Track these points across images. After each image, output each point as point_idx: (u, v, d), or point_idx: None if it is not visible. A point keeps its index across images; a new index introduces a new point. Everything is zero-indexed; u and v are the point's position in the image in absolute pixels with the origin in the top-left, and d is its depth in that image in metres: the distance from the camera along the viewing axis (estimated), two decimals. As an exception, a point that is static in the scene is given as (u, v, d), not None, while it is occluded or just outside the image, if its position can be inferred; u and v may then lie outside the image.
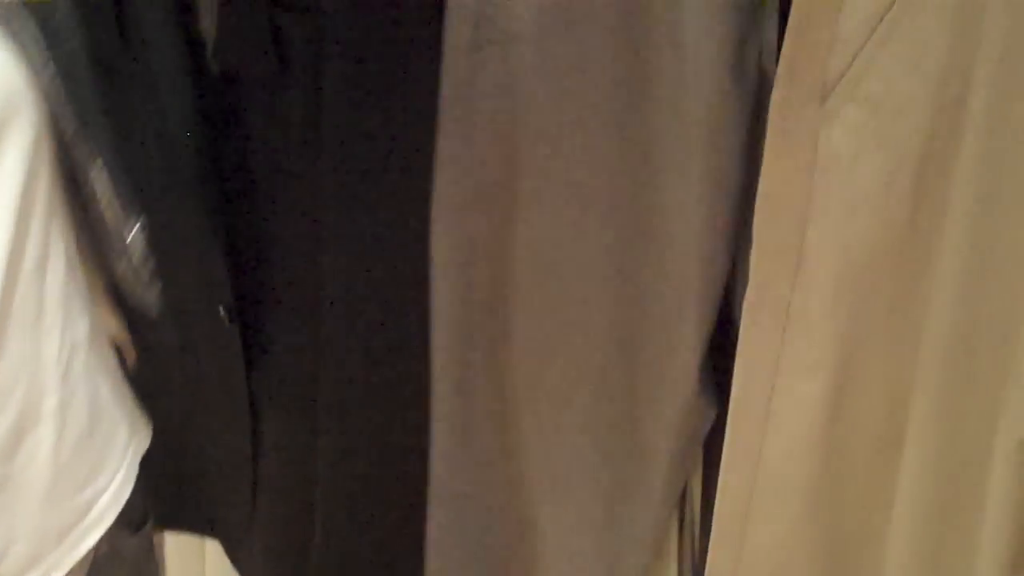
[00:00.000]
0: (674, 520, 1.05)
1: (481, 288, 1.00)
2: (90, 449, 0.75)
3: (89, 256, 0.84)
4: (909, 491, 0.84)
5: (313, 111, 0.94)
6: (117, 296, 0.98)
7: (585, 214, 0.94)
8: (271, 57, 0.93)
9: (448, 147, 0.96)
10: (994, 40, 0.74)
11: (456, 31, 0.93)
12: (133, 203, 0.76)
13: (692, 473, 1.02)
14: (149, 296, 0.87)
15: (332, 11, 0.91)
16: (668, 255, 0.92)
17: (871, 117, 0.79)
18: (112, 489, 0.78)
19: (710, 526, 0.93)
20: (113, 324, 0.94)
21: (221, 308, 0.97)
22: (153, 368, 1.04)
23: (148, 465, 0.94)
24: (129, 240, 0.83)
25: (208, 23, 0.94)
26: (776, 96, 0.81)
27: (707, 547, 0.95)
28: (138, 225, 0.79)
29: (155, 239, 0.93)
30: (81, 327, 0.80)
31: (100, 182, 0.73)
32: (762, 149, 0.84)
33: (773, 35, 0.83)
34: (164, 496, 1.09)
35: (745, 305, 0.86)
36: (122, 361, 0.98)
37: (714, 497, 0.92)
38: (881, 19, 0.77)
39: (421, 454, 1.03)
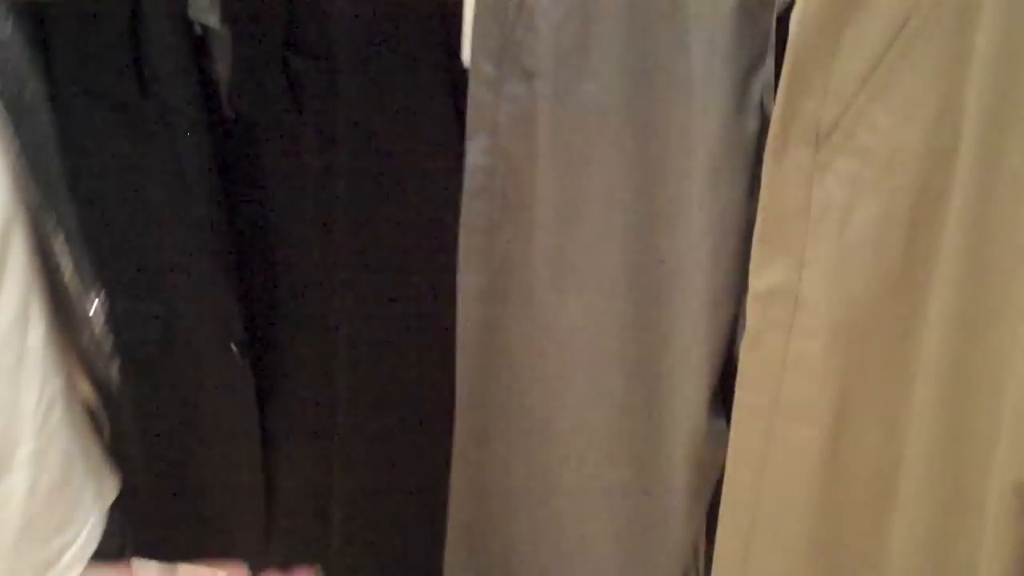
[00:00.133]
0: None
1: (507, 310, 1.04)
2: (61, 501, 0.79)
3: (62, 321, 0.89)
4: (905, 534, 0.85)
5: (327, 153, 0.98)
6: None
7: (600, 241, 0.97)
8: (286, 101, 0.97)
9: (473, 179, 1.00)
10: (982, 92, 0.75)
11: (480, 68, 0.97)
12: (95, 278, 0.80)
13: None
14: (111, 370, 0.92)
15: (346, 56, 0.96)
16: (678, 284, 0.95)
17: (864, 167, 0.80)
18: (80, 541, 0.82)
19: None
20: (86, 388, 0.99)
21: (233, 345, 1.02)
22: (163, 404, 1.09)
23: (160, 498, 0.99)
24: (91, 313, 0.87)
25: (223, 67, 0.99)
26: (771, 142, 0.83)
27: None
28: (98, 300, 0.83)
29: (168, 277, 0.98)
30: (58, 382, 0.84)
31: (63, 256, 0.77)
32: (762, 191, 0.86)
33: (771, 79, 0.85)
34: (177, 529, 1.15)
35: (742, 348, 0.88)
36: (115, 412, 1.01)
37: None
38: (873, 71, 0.79)
39: (440, 486, 1.07)
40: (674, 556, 1.04)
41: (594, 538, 1.05)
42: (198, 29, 0.98)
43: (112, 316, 0.97)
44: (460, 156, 0.99)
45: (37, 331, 0.78)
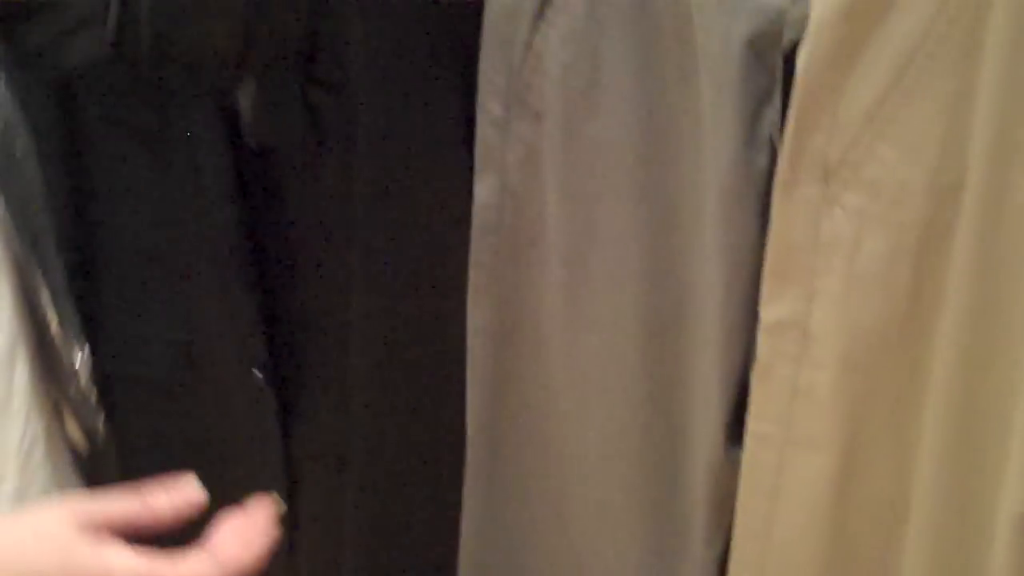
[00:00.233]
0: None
1: (516, 347, 1.06)
2: None
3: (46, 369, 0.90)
4: (916, 563, 0.87)
5: (346, 184, 1.01)
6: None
7: (614, 277, 1.00)
8: (306, 132, 1.00)
9: (481, 217, 1.02)
10: (986, 129, 0.78)
11: (487, 108, 1.00)
12: (80, 332, 0.82)
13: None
14: (96, 422, 0.93)
15: (364, 88, 0.99)
16: (692, 317, 0.97)
17: (871, 201, 0.83)
18: None
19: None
20: (75, 433, 1.00)
21: (256, 370, 1.04)
22: (183, 430, 1.11)
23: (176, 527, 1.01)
24: (77, 366, 0.88)
25: (244, 99, 1.02)
26: (780, 177, 0.86)
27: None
28: (82, 354, 0.85)
29: (189, 302, 1.00)
30: (39, 426, 0.86)
31: (49, 309, 0.79)
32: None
33: (779, 115, 0.88)
34: None
35: (753, 378, 0.90)
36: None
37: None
38: (880, 107, 0.81)
39: (453, 521, 1.09)
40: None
41: (612, 572, 1.07)
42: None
43: (125, 345, 0.99)
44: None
45: (23, 373, 0.80)
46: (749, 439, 0.91)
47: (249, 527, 0.67)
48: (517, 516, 1.10)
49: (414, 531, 1.10)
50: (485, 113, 1.01)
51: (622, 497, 1.04)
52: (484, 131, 1.01)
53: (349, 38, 0.97)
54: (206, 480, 1.14)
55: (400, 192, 1.01)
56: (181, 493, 0.67)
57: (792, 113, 0.84)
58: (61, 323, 0.81)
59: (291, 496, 1.12)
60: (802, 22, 0.83)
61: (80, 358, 0.87)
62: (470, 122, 1.01)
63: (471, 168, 1.01)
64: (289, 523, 1.12)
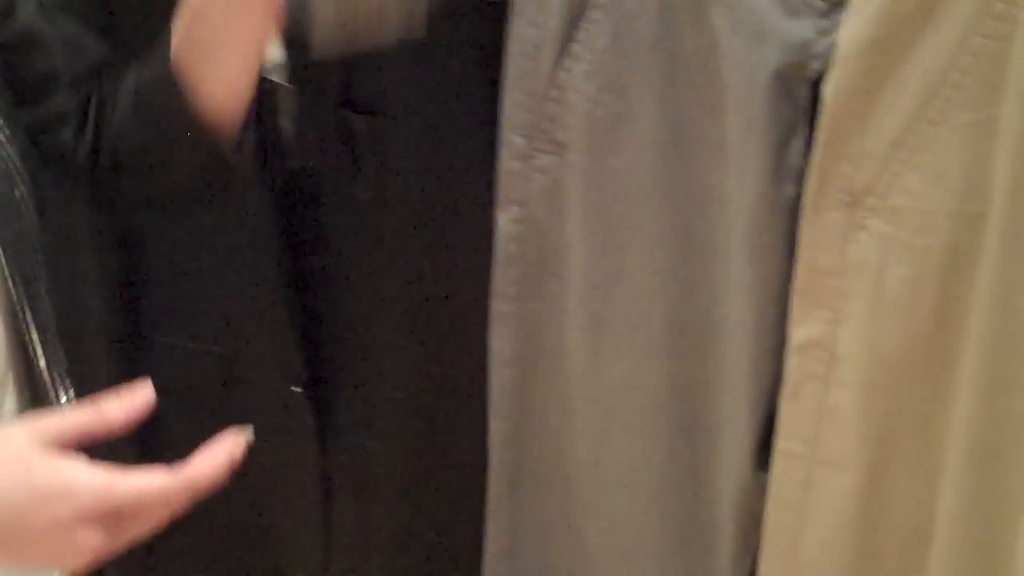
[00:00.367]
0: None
1: (539, 376, 1.09)
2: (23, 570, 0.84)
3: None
4: (939, 584, 0.90)
5: (381, 205, 1.05)
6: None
7: (640, 306, 1.04)
8: (343, 154, 1.04)
9: (504, 247, 1.06)
10: (1009, 160, 0.82)
11: (510, 140, 1.04)
12: (66, 373, 0.84)
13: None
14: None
15: (398, 114, 1.03)
16: (720, 343, 1.00)
17: (897, 229, 0.87)
18: None
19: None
20: None
21: (295, 387, 1.08)
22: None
23: (215, 541, 1.04)
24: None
25: (287, 121, 1.07)
26: (807, 203, 0.90)
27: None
28: (67, 396, 0.87)
29: (231, 319, 1.04)
30: None
31: (36, 348, 0.82)
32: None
33: (804, 145, 0.92)
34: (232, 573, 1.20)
35: (782, 398, 0.94)
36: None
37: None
38: (905, 137, 0.85)
39: (476, 547, 1.11)
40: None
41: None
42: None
43: (169, 358, 1.03)
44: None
45: (11, 402, 0.82)
46: (777, 457, 0.95)
47: (213, 450, 0.68)
48: (539, 541, 1.13)
49: (438, 553, 1.13)
50: (508, 145, 1.04)
51: (645, 522, 1.07)
52: (507, 163, 1.05)
53: (385, 65, 1.02)
54: (243, 491, 1.17)
55: (429, 218, 1.05)
56: (131, 398, 0.68)
57: (819, 142, 0.89)
58: (48, 365, 0.83)
59: (324, 509, 1.15)
60: (828, 54, 0.87)
61: (65, 400, 0.89)
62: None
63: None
64: (322, 538, 1.15)
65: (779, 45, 0.90)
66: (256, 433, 1.11)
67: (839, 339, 0.90)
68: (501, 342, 1.09)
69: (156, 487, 0.65)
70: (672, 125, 0.98)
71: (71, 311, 1.10)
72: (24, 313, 0.80)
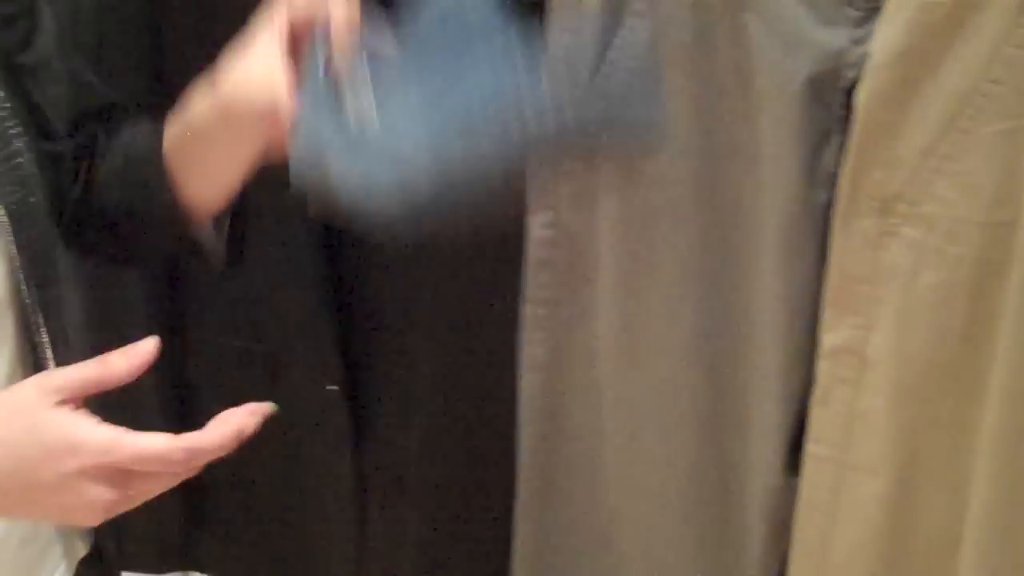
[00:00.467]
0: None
1: (569, 381, 1.11)
2: (30, 551, 0.86)
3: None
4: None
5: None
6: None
7: (671, 311, 1.06)
8: None
9: (535, 252, 1.08)
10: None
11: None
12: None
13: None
14: None
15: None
16: (752, 348, 1.03)
17: (927, 236, 0.89)
18: None
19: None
20: None
21: (332, 386, 1.11)
22: (259, 439, 1.17)
23: (251, 535, 1.07)
24: None
25: None
26: (839, 210, 0.92)
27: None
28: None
29: (273, 319, 1.07)
30: None
31: (46, 350, 0.84)
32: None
33: (836, 152, 0.94)
34: (267, 567, 1.23)
35: (813, 402, 0.96)
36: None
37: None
38: (937, 145, 0.88)
39: (505, 549, 1.14)
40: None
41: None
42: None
43: (210, 355, 1.07)
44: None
45: None
46: (807, 461, 0.97)
47: (225, 420, 0.70)
48: (568, 543, 1.15)
49: (468, 552, 1.16)
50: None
51: (674, 525, 1.09)
52: (538, 168, 1.07)
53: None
54: (278, 488, 1.20)
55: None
56: (135, 350, 0.70)
57: (850, 149, 0.91)
58: (57, 363, 0.85)
59: (357, 507, 1.19)
60: (862, 62, 0.90)
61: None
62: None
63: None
64: (355, 536, 1.18)
65: (813, 53, 0.92)
66: (293, 430, 1.15)
67: (870, 344, 0.93)
68: (531, 346, 1.11)
69: (160, 448, 0.67)
70: (706, 131, 1.00)
71: (113, 308, 1.14)
72: (36, 315, 0.82)
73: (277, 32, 0.79)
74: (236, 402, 1.12)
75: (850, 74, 0.91)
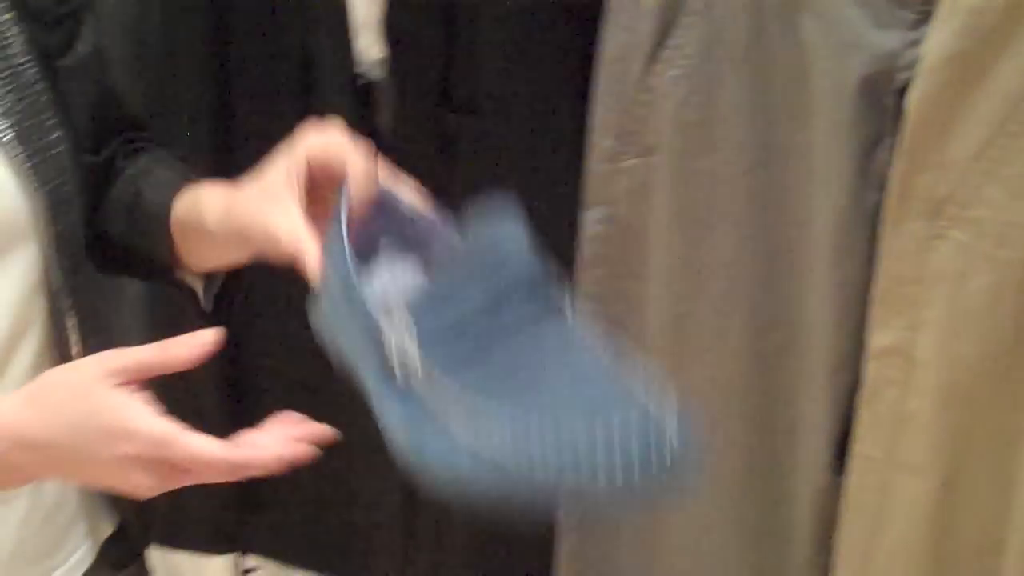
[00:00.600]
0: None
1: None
2: (52, 529, 0.88)
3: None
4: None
5: (471, 199, 1.11)
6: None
7: (723, 309, 1.08)
8: (437, 151, 1.12)
9: (589, 248, 1.11)
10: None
11: (598, 142, 1.09)
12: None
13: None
14: None
15: (492, 114, 1.10)
16: (801, 347, 1.05)
17: (976, 239, 0.91)
18: (66, 566, 0.91)
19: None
20: None
21: None
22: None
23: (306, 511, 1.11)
24: None
25: (385, 118, 1.14)
26: (888, 212, 0.94)
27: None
28: None
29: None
30: None
31: (73, 334, 0.87)
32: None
33: (889, 154, 0.96)
34: (321, 540, 1.28)
35: (860, 403, 0.98)
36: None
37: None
38: (987, 148, 0.89)
39: (551, 532, 1.17)
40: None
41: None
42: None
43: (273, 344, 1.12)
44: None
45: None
46: (854, 461, 0.99)
47: (281, 440, 0.72)
48: (613, 537, 1.17)
49: (514, 544, 1.19)
50: (596, 147, 1.09)
51: (721, 521, 1.12)
52: (594, 164, 1.10)
53: (481, 67, 1.08)
54: (329, 475, 1.24)
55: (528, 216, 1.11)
56: (198, 339, 0.73)
57: (901, 152, 0.93)
58: (84, 348, 0.89)
59: (405, 510, 1.23)
60: (914, 64, 0.92)
61: None
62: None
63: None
64: (403, 537, 1.22)
65: (867, 55, 0.94)
66: (353, 419, 1.18)
67: (918, 346, 0.95)
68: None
69: (211, 455, 0.69)
70: (759, 130, 1.03)
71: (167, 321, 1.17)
72: (65, 300, 0.86)
73: (294, 176, 0.77)
74: (297, 392, 1.17)
75: (903, 76, 0.93)
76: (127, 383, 0.71)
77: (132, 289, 1.24)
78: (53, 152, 0.85)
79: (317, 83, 1.13)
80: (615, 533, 1.18)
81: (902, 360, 0.95)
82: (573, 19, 1.06)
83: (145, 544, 1.01)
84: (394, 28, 1.10)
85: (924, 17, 0.91)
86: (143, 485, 0.71)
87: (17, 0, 0.84)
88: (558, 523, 1.18)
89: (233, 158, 1.16)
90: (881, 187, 0.96)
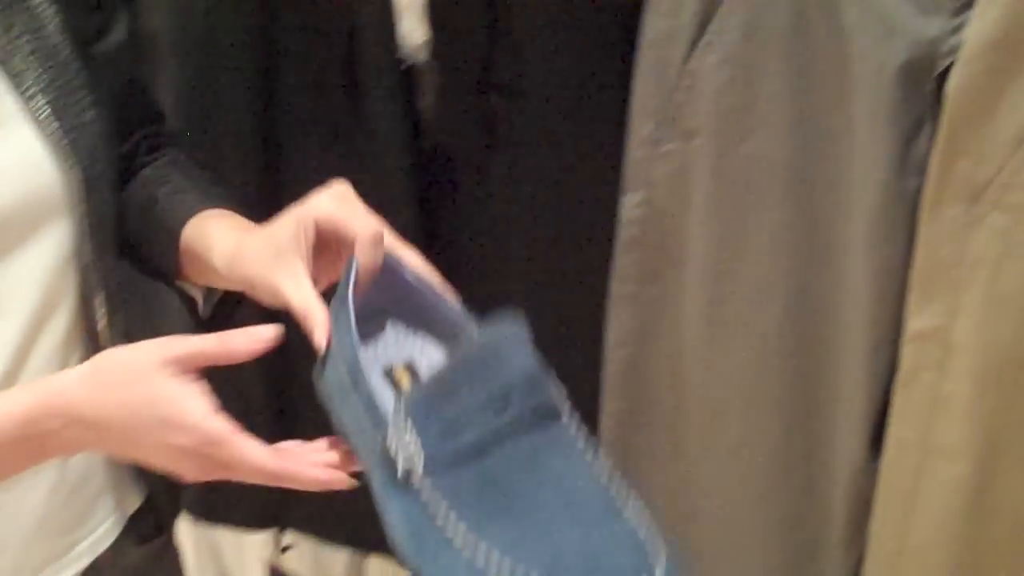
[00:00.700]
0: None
1: (654, 358, 1.16)
2: (79, 502, 0.92)
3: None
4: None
5: (512, 179, 1.13)
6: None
7: (760, 293, 1.10)
8: (480, 136, 1.14)
9: (626, 231, 1.13)
10: None
11: (639, 127, 1.11)
12: (124, 333, 0.91)
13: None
14: None
15: (534, 96, 1.12)
16: (839, 331, 1.07)
17: (1016, 223, 0.92)
18: (92, 539, 0.93)
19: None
20: None
21: None
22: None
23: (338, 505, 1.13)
24: None
25: (428, 101, 1.17)
26: (927, 197, 0.96)
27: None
28: None
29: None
30: None
31: (100, 310, 0.90)
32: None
33: (929, 139, 0.97)
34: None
35: (897, 386, 1.00)
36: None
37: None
38: (1028, 134, 0.91)
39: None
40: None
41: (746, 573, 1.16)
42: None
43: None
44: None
45: (76, 358, 0.90)
46: (890, 444, 1.01)
47: (328, 460, 0.74)
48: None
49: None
50: (636, 131, 1.11)
51: (757, 504, 1.14)
52: (634, 148, 1.12)
53: (525, 49, 1.10)
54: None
55: (557, 198, 1.13)
56: (258, 334, 0.76)
57: (941, 137, 0.94)
58: (110, 324, 0.91)
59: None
60: (956, 50, 0.93)
61: None
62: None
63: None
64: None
65: (908, 41, 0.95)
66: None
67: (955, 330, 0.96)
68: (619, 323, 1.16)
69: (258, 463, 0.72)
70: (799, 115, 1.04)
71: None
72: (94, 278, 0.89)
73: (302, 237, 0.79)
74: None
75: (945, 62, 0.94)
76: (185, 372, 0.73)
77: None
78: (88, 130, 0.88)
79: (360, 66, 1.15)
80: (652, 516, 1.19)
81: (939, 344, 0.97)
82: (615, 3, 1.08)
83: (173, 518, 1.03)
84: (437, 11, 1.13)
85: (967, 4, 0.93)
86: (189, 472, 0.75)
87: None
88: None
89: (278, 139, 1.19)
90: (921, 172, 0.97)
